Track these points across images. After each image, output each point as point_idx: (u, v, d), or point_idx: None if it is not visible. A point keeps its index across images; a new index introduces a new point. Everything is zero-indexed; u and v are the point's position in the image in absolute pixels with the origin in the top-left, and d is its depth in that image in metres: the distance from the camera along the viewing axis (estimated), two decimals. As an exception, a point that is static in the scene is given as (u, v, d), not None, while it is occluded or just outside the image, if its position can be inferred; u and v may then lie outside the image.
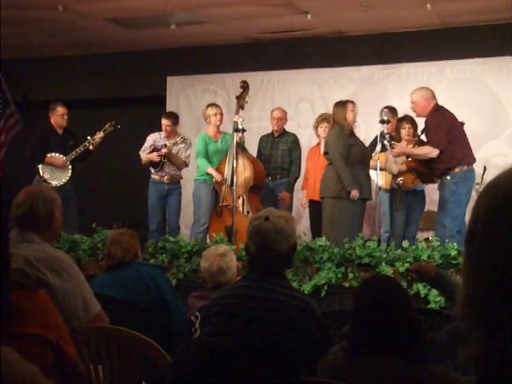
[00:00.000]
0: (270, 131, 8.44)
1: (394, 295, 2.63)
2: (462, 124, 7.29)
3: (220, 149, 7.95)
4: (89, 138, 8.34)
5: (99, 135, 8.32)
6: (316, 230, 7.68)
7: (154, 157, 8.12)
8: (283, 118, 8.37)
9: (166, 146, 8.12)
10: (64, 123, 8.37)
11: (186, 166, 8.34)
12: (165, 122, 8.29)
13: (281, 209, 7.38)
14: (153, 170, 8.20)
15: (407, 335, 2.53)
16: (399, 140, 7.42)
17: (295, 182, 8.33)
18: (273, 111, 8.48)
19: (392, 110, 7.63)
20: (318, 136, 8.19)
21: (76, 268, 3.59)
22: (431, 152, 6.73)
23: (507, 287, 1.02)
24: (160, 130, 8.40)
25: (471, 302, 1.06)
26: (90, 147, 8.27)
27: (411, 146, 7.30)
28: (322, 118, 8.11)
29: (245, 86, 7.94)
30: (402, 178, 7.29)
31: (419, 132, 7.57)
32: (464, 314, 1.07)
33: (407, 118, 7.53)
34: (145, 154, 8.22)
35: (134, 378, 3.52)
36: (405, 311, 2.59)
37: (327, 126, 7.82)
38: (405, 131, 7.46)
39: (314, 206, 7.94)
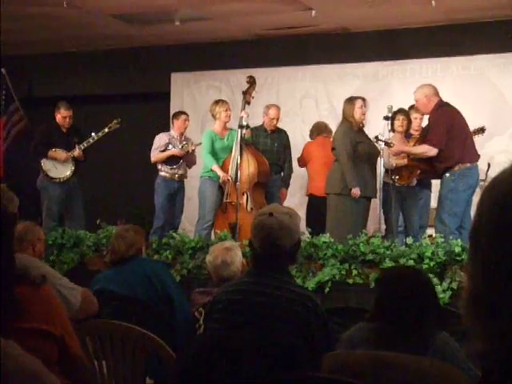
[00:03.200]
0: (261, 125, 8.28)
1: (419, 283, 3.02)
2: (483, 130, 7.30)
3: (226, 146, 7.93)
4: (93, 134, 8.36)
5: (103, 132, 8.35)
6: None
7: (177, 151, 8.13)
8: (278, 117, 8.26)
9: (191, 143, 8.20)
10: (66, 124, 8.36)
11: (194, 164, 8.38)
12: (186, 117, 8.36)
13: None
14: (168, 167, 8.18)
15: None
16: (393, 132, 7.41)
17: (290, 178, 8.37)
18: (269, 109, 8.25)
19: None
20: None
21: (44, 268, 3.53)
22: (429, 151, 6.71)
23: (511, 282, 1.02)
24: (165, 126, 8.42)
25: (476, 298, 1.06)
26: (75, 153, 8.25)
27: (412, 143, 7.29)
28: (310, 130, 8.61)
29: (251, 82, 7.89)
30: (397, 174, 7.27)
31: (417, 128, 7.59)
32: (469, 310, 1.08)
33: (401, 111, 7.52)
34: (159, 152, 8.19)
35: (138, 374, 3.53)
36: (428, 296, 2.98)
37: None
38: (398, 123, 7.43)
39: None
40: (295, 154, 8.45)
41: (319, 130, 8.56)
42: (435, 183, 7.55)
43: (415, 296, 2.94)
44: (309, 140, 8.70)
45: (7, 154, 10.23)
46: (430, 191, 7.70)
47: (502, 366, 1.04)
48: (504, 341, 1.04)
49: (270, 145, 8.17)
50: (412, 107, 7.49)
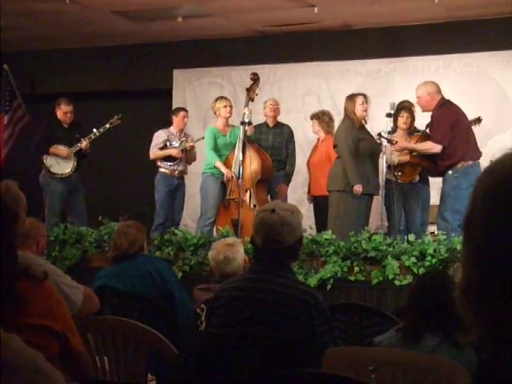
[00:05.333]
0: (264, 122, 8.31)
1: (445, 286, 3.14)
2: (479, 120, 7.27)
3: (229, 142, 7.92)
4: (94, 130, 8.37)
5: (104, 127, 8.38)
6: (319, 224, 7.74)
7: (175, 152, 8.13)
8: (278, 109, 8.30)
9: (191, 139, 8.23)
10: (67, 120, 8.39)
11: (194, 160, 8.38)
12: (185, 113, 8.39)
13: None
14: (168, 164, 8.18)
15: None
16: (396, 129, 7.39)
17: (292, 174, 8.30)
18: (265, 102, 8.34)
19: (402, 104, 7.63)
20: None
21: (46, 265, 3.52)
22: (433, 148, 6.71)
23: (503, 271, 1.03)
24: (167, 123, 8.42)
25: (469, 287, 1.08)
26: (83, 145, 8.27)
27: (414, 140, 7.28)
28: (312, 115, 8.31)
29: (255, 78, 7.88)
30: (399, 171, 7.26)
31: (424, 126, 7.56)
32: (462, 299, 1.09)
33: (405, 108, 7.51)
34: (157, 149, 8.20)
35: (140, 370, 3.53)
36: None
37: (315, 123, 8.19)
38: (402, 120, 7.42)
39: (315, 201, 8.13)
40: (298, 150, 8.42)
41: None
42: (437, 181, 7.55)
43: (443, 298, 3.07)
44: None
45: (11, 151, 10.26)
46: (429, 187, 7.69)
47: (495, 353, 1.05)
48: (497, 329, 1.04)
49: (271, 141, 8.15)
50: (402, 108, 7.48)
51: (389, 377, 2.80)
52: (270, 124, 8.25)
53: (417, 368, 2.76)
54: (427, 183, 7.66)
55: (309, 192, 8.30)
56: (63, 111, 8.36)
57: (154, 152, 8.21)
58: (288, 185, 8.25)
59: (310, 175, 8.24)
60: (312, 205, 8.31)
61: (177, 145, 8.19)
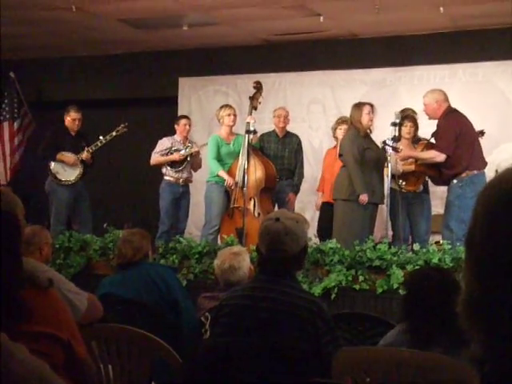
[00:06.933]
0: (272, 130, 8.30)
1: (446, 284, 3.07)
2: (482, 133, 7.26)
3: (232, 151, 7.93)
4: (101, 137, 8.39)
5: (111, 135, 8.41)
6: (325, 231, 7.68)
7: (177, 156, 8.14)
8: (287, 117, 8.27)
9: (196, 145, 8.25)
10: (75, 128, 8.41)
11: (200, 167, 8.39)
12: (187, 121, 8.41)
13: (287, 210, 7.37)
14: (173, 171, 8.19)
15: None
16: (399, 138, 7.38)
17: (301, 184, 8.31)
18: (275, 111, 8.34)
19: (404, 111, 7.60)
20: (336, 138, 8.07)
21: (50, 272, 3.51)
22: (437, 156, 6.70)
23: (506, 286, 1.03)
24: (172, 131, 8.43)
25: (471, 302, 1.08)
26: (84, 156, 8.29)
27: (420, 149, 7.27)
28: (342, 120, 8.07)
29: (258, 87, 7.89)
30: (404, 180, 7.25)
31: (427, 135, 7.56)
32: (465, 314, 1.09)
33: (409, 117, 7.50)
34: (159, 155, 8.21)
35: (144, 378, 3.53)
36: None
37: (344, 128, 7.88)
38: (406, 129, 7.42)
39: (327, 208, 7.97)
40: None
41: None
42: (442, 189, 7.54)
43: (441, 295, 2.99)
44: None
45: (21, 158, 10.30)
46: (429, 196, 7.68)
47: (498, 369, 1.05)
48: (500, 343, 1.04)
49: (281, 150, 8.15)
50: (406, 117, 7.45)
51: (400, 376, 2.80)
52: (279, 133, 8.23)
53: (428, 367, 2.76)
54: (427, 192, 7.65)
55: (318, 190, 8.32)
56: (72, 118, 8.38)
57: (155, 158, 8.24)
58: (296, 194, 8.27)
59: (324, 180, 8.21)
60: (318, 212, 8.31)
61: (182, 151, 8.20)
